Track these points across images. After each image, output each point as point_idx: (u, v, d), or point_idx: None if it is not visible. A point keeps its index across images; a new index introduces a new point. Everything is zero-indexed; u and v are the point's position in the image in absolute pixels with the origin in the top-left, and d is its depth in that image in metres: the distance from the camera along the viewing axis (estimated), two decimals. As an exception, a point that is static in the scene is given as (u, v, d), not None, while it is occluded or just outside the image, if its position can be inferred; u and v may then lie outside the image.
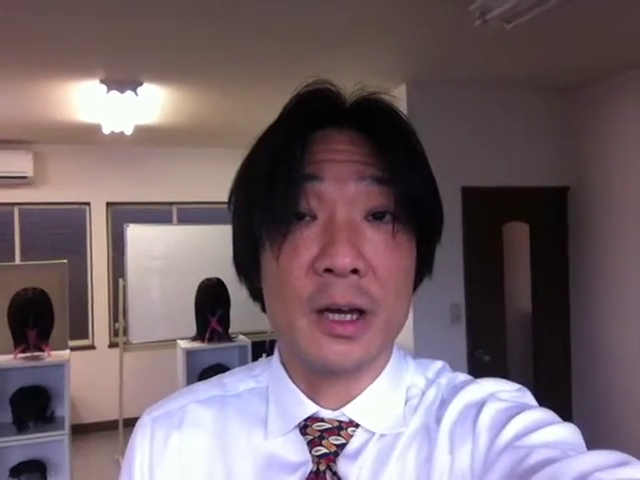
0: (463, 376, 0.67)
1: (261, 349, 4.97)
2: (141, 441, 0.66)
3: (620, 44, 3.35)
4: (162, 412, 0.68)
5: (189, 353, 4.28)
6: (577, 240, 4.21)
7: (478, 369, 3.84)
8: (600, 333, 4.06)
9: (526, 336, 4.26)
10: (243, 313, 4.38)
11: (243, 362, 4.17)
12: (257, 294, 0.66)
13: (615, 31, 3.15)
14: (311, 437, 0.61)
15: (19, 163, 5.67)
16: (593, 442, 0.54)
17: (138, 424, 0.68)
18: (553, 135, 4.24)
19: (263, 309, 0.65)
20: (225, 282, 4.31)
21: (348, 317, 0.56)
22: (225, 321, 4.35)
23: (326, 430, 0.61)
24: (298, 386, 0.64)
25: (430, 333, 3.75)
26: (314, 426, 0.62)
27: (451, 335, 3.90)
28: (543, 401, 0.61)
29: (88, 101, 4.25)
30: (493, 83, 3.99)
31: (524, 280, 4.23)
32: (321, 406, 0.62)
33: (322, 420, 0.62)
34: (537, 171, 4.15)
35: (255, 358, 3.87)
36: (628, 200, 3.84)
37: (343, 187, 0.58)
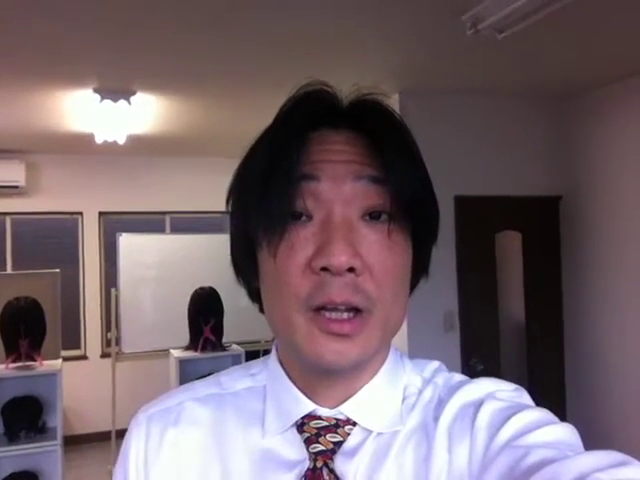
0: (459, 376, 0.67)
1: (254, 358, 4.94)
2: (136, 438, 0.66)
3: (612, 54, 3.38)
4: (159, 409, 0.68)
5: (182, 362, 4.26)
6: (569, 248, 4.23)
7: (472, 378, 3.83)
8: (593, 340, 4.07)
9: (520, 344, 4.26)
10: (236, 322, 4.39)
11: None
12: (255, 294, 0.66)
13: (607, 41, 3.17)
14: (308, 435, 0.61)
15: (11, 173, 5.65)
16: (587, 446, 0.54)
17: (133, 421, 0.68)
18: (546, 144, 4.26)
19: (261, 309, 0.66)
20: (218, 291, 4.30)
21: (345, 315, 0.56)
22: (218, 330, 4.34)
23: (323, 428, 0.61)
24: (295, 384, 0.64)
25: (424, 341, 3.74)
26: (311, 424, 0.62)
27: (445, 343, 3.90)
28: (537, 406, 0.61)
29: (81, 110, 4.24)
30: (485, 92, 4.02)
31: (517, 288, 4.24)
32: (318, 404, 0.62)
33: (319, 418, 0.62)
34: (529, 180, 4.17)
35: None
36: (620, 209, 3.87)
37: (340, 187, 0.58)
